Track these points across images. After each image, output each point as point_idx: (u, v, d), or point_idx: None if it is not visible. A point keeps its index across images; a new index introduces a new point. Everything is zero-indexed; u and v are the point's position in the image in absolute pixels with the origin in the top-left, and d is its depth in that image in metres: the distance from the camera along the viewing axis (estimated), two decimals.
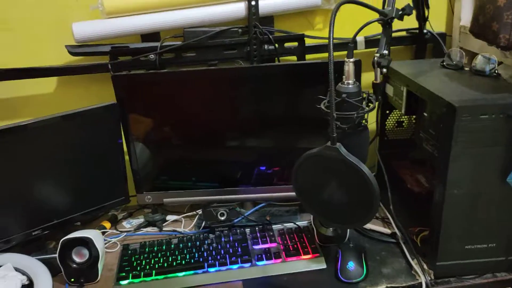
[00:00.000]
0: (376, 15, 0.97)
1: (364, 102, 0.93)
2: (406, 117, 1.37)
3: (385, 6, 0.98)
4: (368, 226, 1.28)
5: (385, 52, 0.95)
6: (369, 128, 0.96)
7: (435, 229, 1.05)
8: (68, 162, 1.23)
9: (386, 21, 0.95)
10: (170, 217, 1.40)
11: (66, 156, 1.22)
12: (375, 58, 0.95)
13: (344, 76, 0.92)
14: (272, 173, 1.33)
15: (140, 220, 1.40)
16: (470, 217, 1.02)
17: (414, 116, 1.31)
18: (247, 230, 1.28)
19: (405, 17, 1.08)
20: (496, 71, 1.11)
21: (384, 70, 0.96)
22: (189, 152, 1.34)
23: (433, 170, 1.15)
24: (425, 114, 1.10)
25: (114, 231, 1.35)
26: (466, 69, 1.17)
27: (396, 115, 1.37)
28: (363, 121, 0.94)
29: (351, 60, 0.91)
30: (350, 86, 0.92)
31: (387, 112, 1.36)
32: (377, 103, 0.97)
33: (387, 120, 1.38)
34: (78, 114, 1.21)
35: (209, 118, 1.29)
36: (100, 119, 1.24)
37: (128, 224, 1.39)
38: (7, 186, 1.17)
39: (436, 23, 1.41)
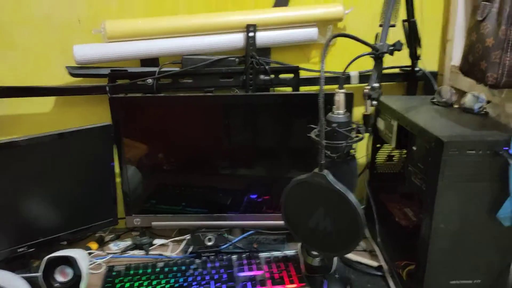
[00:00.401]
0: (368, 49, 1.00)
1: (353, 132, 0.94)
2: (396, 151, 1.39)
3: (377, 42, 1.01)
4: (355, 258, 1.28)
5: (376, 85, 0.97)
6: (360, 161, 0.98)
7: (420, 263, 1.05)
8: (58, 180, 1.23)
9: (377, 55, 0.98)
10: (158, 241, 1.39)
11: (57, 174, 1.23)
12: (366, 91, 0.97)
13: (334, 106, 0.94)
14: (262, 201, 1.34)
15: (127, 242, 1.39)
16: (456, 252, 1.03)
17: (404, 151, 1.33)
18: (234, 257, 1.27)
19: (399, 54, 1.12)
20: (485, 110, 1.13)
21: (374, 102, 0.98)
22: (180, 177, 1.35)
23: (421, 204, 1.16)
24: (414, 148, 1.11)
25: (101, 252, 1.35)
26: (455, 106, 1.20)
27: (387, 149, 1.39)
28: (352, 150, 0.96)
29: (342, 91, 0.93)
30: (341, 116, 0.94)
31: (378, 145, 1.38)
32: (367, 134, 0.99)
33: (378, 153, 1.39)
34: (71, 133, 1.22)
35: (201, 144, 1.31)
36: (94, 139, 1.25)
37: (115, 246, 1.38)
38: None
39: (428, 62, 1.45)
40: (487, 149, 0.95)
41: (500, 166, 0.95)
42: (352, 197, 0.84)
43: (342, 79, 0.93)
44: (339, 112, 0.94)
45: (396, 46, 0.98)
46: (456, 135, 0.98)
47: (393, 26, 1.03)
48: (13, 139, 1.15)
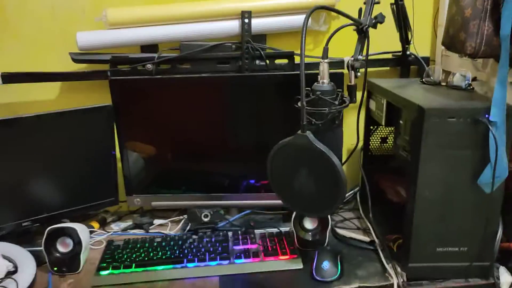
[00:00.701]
0: None
1: (337, 101, 0.99)
2: (390, 133, 1.42)
3: (361, 17, 1.06)
4: (348, 234, 1.31)
5: (359, 57, 1.02)
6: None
7: (407, 231, 1.08)
8: (60, 158, 1.29)
9: (360, 28, 1.03)
10: (157, 221, 1.44)
11: (59, 152, 1.29)
12: (349, 62, 1.01)
13: (319, 76, 0.99)
14: (260, 186, 1.37)
15: (129, 223, 1.44)
16: (441, 220, 1.06)
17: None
18: (230, 232, 1.31)
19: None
20: (471, 86, 1.17)
21: (358, 73, 1.02)
22: (180, 160, 1.40)
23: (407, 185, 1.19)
24: (401, 122, 1.15)
25: (102, 231, 1.39)
26: (443, 84, 1.24)
27: (381, 132, 1.42)
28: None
29: (326, 60, 0.98)
30: (325, 85, 0.98)
31: (371, 128, 1.41)
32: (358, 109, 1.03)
33: (372, 137, 1.43)
34: (72, 112, 1.28)
35: (200, 126, 1.36)
36: (94, 119, 1.31)
37: (116, 226, 1.43)
38: (3, 176, 1.22)
39: (421, 48, 1.48)
40: (468, 116, 0.99)
41: (481, 133, 0.99)
42: (333, 156, 0.88)
43: (325, 50, 0.97)
44: (323, 81, 0.98)
45: (378, 19, 1.02)
46: (438, 104, 1.02)
47: (378, 3, 1.07)
48: (16, 116, 1.22)
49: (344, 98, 1.01)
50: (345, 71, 1.43)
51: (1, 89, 1.44)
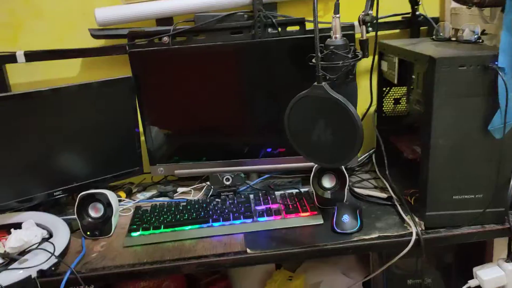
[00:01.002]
0: None
1: (350, 55, 1.02)
2: (402, 95, 1.45)
3: None
4: (366, 192, 1.35)
5: (370, 12, 1.05)
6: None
7: (423, 180, 1.11)
8: (86, 130, 1.35)
9: None
10: (181, 189, 1.49)
11: (85, 125, 1.34)
12: (361, 16, 1.05)
13: (331, 32, 1.03)
14: (277, 153, 1.42)
15: (153, 192, 1.50)
16: (456, 168, 1.09)
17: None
18: (251, 195, 1.36)
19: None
20: (480, 39, 1.19)
21: (370, 29, 1.06)
22: (199, 127, 1.44)
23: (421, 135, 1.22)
24: (413, 76, 1.18)
25: (129, 199, 1.45)
26: (453, 39, 1.27)
27: (393, 93, 1.45)
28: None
29: (337, 15, 1.01)
30: (337, 40, 1.02)
31: (384, 89, 1.44)
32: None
33: (385, 99, 1.46)
34: (96, 84, 1.33)
35: (217, 94, 1.40)
36: (117, 91, 1.36)
37: (141, 196, 1.48)
38: (31, 149, 1.28)
39: (430, 9, 1.51)
40: (477, 64, 1.02)
41: (490, 80, 1.02)
42: (349, 104, 0.92)
43: (337, 5, 1.01)
44: (336, 36, 1.02)
45: None
46: (448, 54, 1.05)
47: None
48: (40, 89, 1.27)
49: (356, 53, 1.05)
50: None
51: (25, 68, 1.50)
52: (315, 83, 0.94)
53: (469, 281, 1.16)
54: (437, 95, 1.04)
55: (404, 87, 1.40)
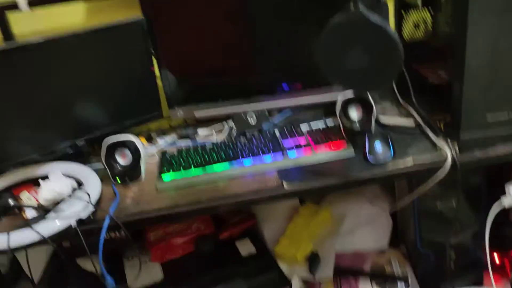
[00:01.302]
0: None
1: None
2: (422, 18, 1.40)
3: None
4: (393, 121, 1.33)
5: None
6: None
7: (456, 102, 1.09)
8: (102, 77, 1.31)
9: None
10: (201, 130, 1.46)
11: (100, 71, 1.30)
12: None
13: None
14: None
15: (174, 136, 1.47)
16: (490, 87, 1.07)
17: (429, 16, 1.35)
18: (276, 131, 1.34)
19: None
20: None
21: None
22: (216, 66, 1.40)
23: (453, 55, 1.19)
24: None
25: (151, 144, 1.43)
26: None
27: (412, 16, 1.40)
28: None
29: None
30: None
31: (403, 12, 1.39)
32: None
33: (404, 22, 1.41)
34: (108, 28, 1.28)
35: (232, 31, 1.35)
36: (129, 35, 1.31)
37: (161, 140, 1.46)
38: (48, 100, 1.25)
39: None
40: None
41: None
42: (389, 27, 0.88)
43: None
44: None
45: None
46: None
47: None
48: (48, 37, 1.22)
49: None
50: None
51: (28, 16, 1.42)
52: (351, 7, 0.90)
53: (501, 196, 1.17)
54: (472, 12, 0.99)
55: (424, 10, 1.34)
